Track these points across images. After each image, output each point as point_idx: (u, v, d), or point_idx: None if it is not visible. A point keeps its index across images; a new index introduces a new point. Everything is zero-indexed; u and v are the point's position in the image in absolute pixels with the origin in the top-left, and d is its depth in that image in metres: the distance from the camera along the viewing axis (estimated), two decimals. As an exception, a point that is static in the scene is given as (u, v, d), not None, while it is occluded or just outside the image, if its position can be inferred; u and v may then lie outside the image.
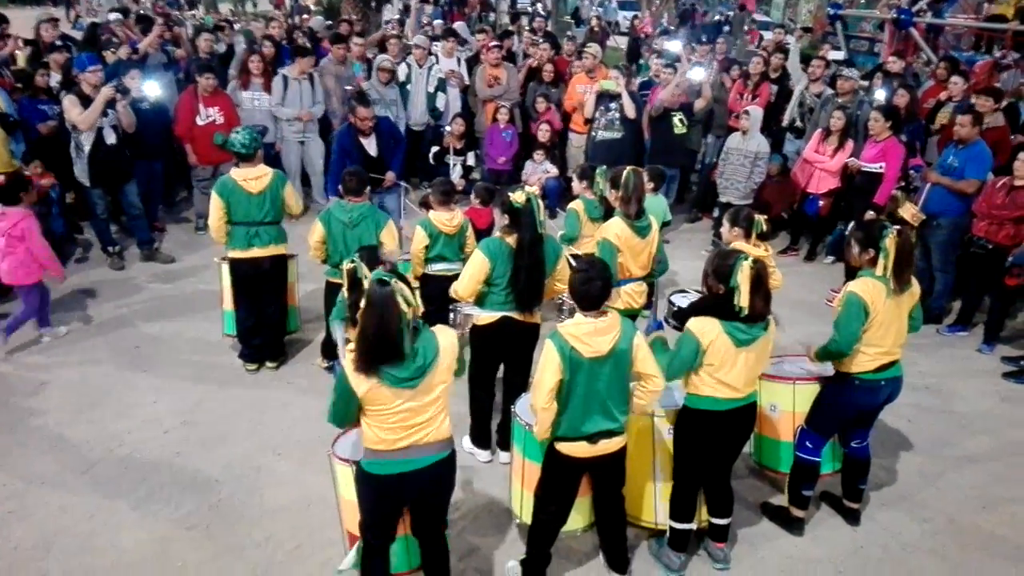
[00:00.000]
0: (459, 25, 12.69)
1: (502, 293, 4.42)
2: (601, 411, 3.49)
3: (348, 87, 8.69)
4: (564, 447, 3.55)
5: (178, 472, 4.68)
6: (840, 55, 10.68)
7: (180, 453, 4.85)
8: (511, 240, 4.36)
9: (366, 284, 3.25)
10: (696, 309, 3.82)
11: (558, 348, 3.38)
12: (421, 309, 5.10)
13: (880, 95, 8.10)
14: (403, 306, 2.99)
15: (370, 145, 7.01)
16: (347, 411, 3.18)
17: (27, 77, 7.71)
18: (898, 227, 3.90)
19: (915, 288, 4.02)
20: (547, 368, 3.39)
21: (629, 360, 3.49)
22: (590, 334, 3.39)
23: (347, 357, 3.09)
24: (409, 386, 3.08)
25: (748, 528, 4.36)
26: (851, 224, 7.18)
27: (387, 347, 3.00)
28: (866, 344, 3.94)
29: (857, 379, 4.02)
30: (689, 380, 3.74)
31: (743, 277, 3.47)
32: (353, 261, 3.35)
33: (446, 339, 3.23)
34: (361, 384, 3.04)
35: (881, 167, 6.99)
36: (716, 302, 3.64)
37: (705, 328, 3.60)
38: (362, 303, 3.02)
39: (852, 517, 4.43)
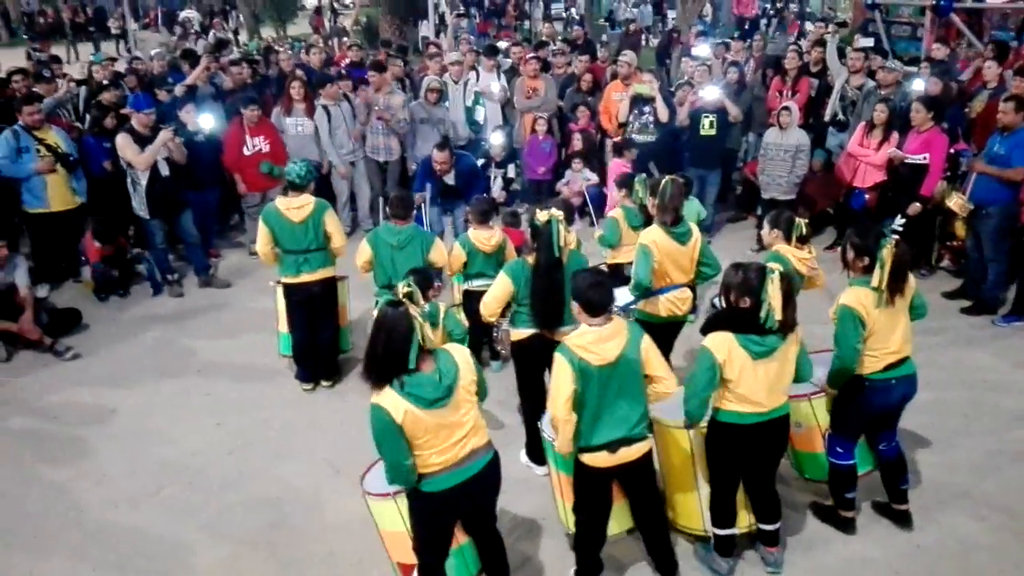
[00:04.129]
0: (503, 44, 12.80)
1: (528, 312, 4.53)
2: (616, 419, 3.52)
3: (383, 114, 8.71)
4: (587, 458, 3.61)
5: (242, 491, 4.87)
6: (869, 42, 10.42)
7: (243, 473, 5.04)
8: (532, 260, 4.46)
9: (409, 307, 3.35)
10: (710, 324, 3.84)
11: (568, 359, 3.44)
12: (466, 323, 5.20)
13: (918, 85, 7.95)
14: (414, 325, 3.11)
15: (449, 178, 7.36)
16: (399, 455, 3.18)
17: (95, 120, 7.96)
18: (896, 238, 3.88)
19: (911, 282, 3.98)
20: (560, 380, 3.45)
21: (640, 365, 3.53)
22: (595, 342, 3.45)
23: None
24: (442, 405, 3.18)
25: (802, 530, 4.35)
26: (898, 218, 7.16)
27: (395, 360, 3.11)
28: (870, 348, 3.93)
29: (867, 380, 4.01)
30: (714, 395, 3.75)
31: (774, 290, 3.46)
32: (409, 286, 3.46)
33: (460, 355, 3.32)
34: (398, 411, 3.11)
35: (925, 158, 6.87)
36: (731, 315, 3.62)
37: (718, 343, 3.59)
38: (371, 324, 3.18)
39: (903, 520, 4.35)
